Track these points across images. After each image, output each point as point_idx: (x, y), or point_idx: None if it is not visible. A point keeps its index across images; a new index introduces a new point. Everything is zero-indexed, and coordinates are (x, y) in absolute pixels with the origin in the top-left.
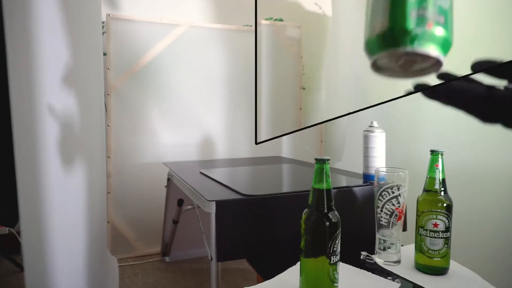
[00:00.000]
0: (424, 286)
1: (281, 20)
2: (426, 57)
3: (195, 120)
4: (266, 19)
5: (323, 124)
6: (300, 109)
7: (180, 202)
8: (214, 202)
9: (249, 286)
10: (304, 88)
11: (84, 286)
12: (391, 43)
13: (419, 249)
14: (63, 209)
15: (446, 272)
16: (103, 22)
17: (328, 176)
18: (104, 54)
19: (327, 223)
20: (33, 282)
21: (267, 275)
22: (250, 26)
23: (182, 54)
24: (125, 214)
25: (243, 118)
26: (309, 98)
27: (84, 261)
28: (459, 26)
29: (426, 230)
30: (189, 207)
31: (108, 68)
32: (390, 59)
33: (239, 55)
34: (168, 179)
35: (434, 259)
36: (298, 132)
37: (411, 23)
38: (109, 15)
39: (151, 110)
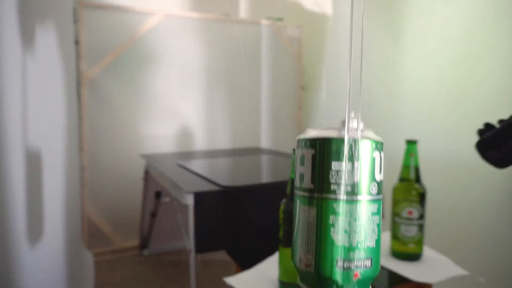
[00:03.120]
0: (398, 272)
1: (281, 20)
2: None
3: (173, 112)
4: (266, 19)
5: (301, 114)
6: (300, 109)
7: (158, 195)
8: (192, 193)
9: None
10: (304, 88)
11: (58, 282)
12: (316, 286)
13: (394, 236)
14: (31, 205)
15: (419, 258)
16: (74, 10)
17: None
18: (76, 43)
19: None
20: (1, 277)
21: (246, 265)
22: (229, 15)
23: (158, 43)
24: (102, 208)
25: (221, 109)
26: (309, 98)
27: (57, 257)
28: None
29: (401, 217)
30: (167, 199)
31: (81, 58)
32: None
33: (217, 45)
34: (146, 172)
35: (409, 245)
36: (276, 122)
37: (337, 275)
38: (80, 2)
39: (128, 101)
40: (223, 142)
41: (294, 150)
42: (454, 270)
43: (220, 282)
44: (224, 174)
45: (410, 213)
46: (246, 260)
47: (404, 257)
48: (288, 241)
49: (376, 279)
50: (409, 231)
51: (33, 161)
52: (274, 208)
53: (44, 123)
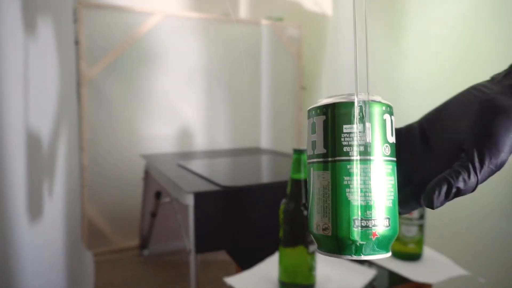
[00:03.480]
0: (398, 272)
1: (281, 20)
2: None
3: (173, 112)
4: (266, 19)
5: (301, 114)
6: (300, 109)
7: (158, 195)
8: (192, 193)
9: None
10: (304, 88)
11: (58, 282)
12: (335, 250)
13: None
14: (31, 205)
15: (420, 258)
16: (74, 10)
17: (306, 166)
18: (76, 43)
19: (305, 213)
20: (1, 278)
21: (246, 265)
22: (229, 15)
23: (158, 43)
24: (102, 208)
25: (222, 109)
26: (309, 98)
27: (57, 257)
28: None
29: (401, 217)
30: (167, 199)
31: (81, 58)
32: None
33: (217, 44)
34: (146, 172)
35: (409, 245)
36: (277, 122)
37: (355, 234)
38: (80, 2)
39: (128, 101)
40: (223, 142)
41: (294, 150)
42: (454, 270)
43: (220, 282)
44: (224, 174)
45: (410, 213)
46: (246, 260)
47: (404, 257)
48: (288, 241)
49: (376, 279)
50: (409, 231)
51: (33, 161)
52: (274, 208)
53: (44, 123)
